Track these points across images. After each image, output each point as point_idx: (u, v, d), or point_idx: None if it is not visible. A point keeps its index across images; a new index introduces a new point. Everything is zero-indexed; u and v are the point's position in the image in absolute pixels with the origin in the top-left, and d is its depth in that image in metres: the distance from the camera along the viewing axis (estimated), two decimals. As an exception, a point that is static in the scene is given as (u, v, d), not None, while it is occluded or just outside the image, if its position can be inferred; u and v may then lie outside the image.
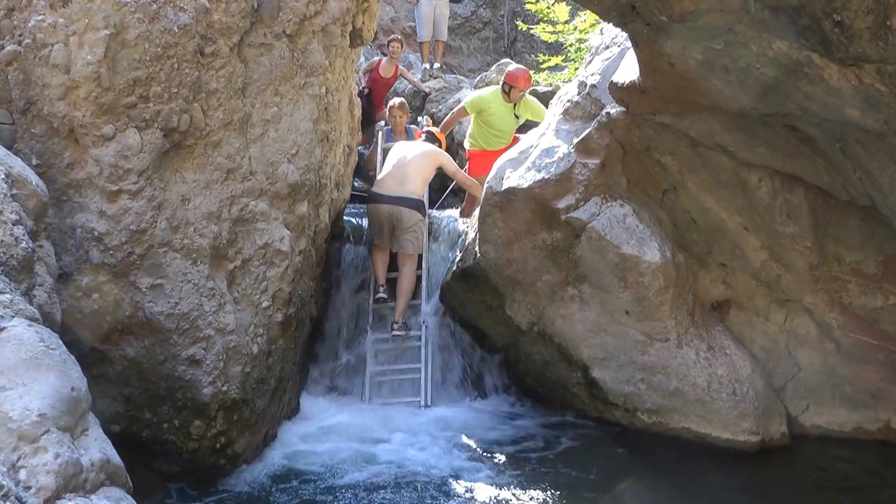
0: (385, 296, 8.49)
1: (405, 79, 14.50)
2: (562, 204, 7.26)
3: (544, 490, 6.04)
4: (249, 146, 6.25)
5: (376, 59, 14.09)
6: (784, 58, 4.43)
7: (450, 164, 9.26)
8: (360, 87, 12.76)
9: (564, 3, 14.63)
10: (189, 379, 5.80)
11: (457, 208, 10.40)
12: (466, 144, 10.56)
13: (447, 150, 9.95)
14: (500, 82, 10.10)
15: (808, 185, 6.33)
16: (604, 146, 7.11)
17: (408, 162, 8.84)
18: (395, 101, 11.00)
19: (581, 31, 13.64)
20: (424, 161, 8.93)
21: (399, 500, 5.89)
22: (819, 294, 6.90)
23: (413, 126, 10.97)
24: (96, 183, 5.55)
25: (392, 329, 8.40)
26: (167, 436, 5.87)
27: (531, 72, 11.01)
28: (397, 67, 13.84)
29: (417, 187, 8.73)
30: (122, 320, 5.64)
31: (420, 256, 8.74)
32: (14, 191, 4.41)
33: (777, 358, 7.23)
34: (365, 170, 11.14)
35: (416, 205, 8.61)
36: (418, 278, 8.67)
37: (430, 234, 9.12)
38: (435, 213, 9.88)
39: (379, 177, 9.03)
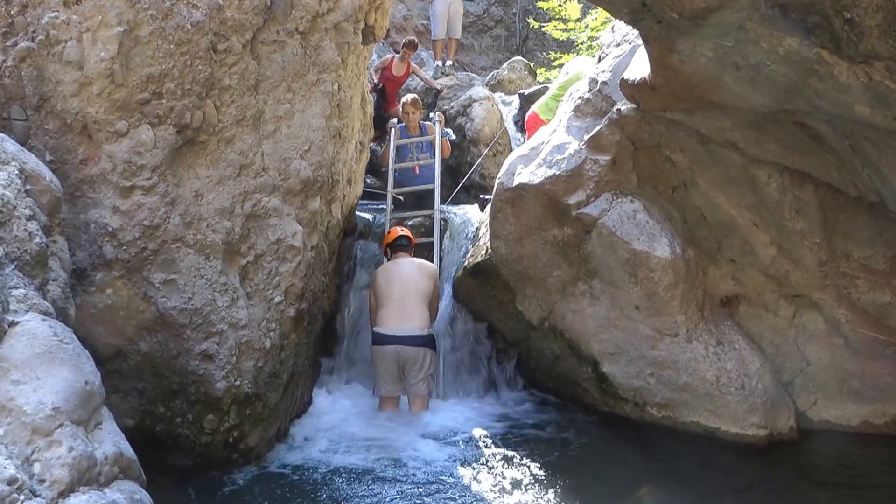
0: None
1: (417, 76, 14.54)
2: (572, 200, 7.27)
3: (554, 484, 6.06)
4: (262, 142, 6.28)
5: (389, 56, 14.14)
6: (794, 55, 4.43)
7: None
8: (374, 84, 12.81)
9: (576, 0, 14.68)
10: (202, 373, 5.83)
11: (469, 204, 10.40)
12: (541, 115, 9.99)
13: (458, 147, 9.79)
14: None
15: (818, 182, 6.33)
16: (614, 143, 7.11)
17: (408, 292, 7.89)
18: (408, 97, 11.03)
19: (592, 29, 13.72)
20: (425, 283, 7.98)
21: (409, 494, 5.91)
22: (828, 290, 6.90)
23: (426, 122, 10.99)
24: (110, 179, 5.59)
25: None
26: (180, 430, 5.90)
27: (542, 69, 10.95)
28: (409, 65, 13.87)
29: (424, 321, 7.81)
30: (136, 315, 5.68)
31: (432, 256, 8.68)
32: (28, 186, 4.44)
33: (786, 353, 7.25)
34: (377, 166, 11.17)
35: (426, 342, 7.76)
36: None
37: (442, 231, 9.14)
38: (447, 208, 9.89)
39: (380, 313, 7.89)
